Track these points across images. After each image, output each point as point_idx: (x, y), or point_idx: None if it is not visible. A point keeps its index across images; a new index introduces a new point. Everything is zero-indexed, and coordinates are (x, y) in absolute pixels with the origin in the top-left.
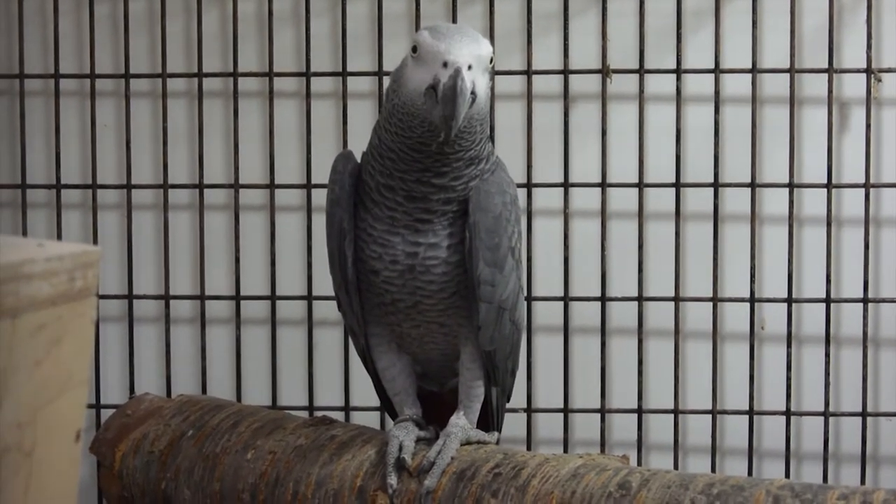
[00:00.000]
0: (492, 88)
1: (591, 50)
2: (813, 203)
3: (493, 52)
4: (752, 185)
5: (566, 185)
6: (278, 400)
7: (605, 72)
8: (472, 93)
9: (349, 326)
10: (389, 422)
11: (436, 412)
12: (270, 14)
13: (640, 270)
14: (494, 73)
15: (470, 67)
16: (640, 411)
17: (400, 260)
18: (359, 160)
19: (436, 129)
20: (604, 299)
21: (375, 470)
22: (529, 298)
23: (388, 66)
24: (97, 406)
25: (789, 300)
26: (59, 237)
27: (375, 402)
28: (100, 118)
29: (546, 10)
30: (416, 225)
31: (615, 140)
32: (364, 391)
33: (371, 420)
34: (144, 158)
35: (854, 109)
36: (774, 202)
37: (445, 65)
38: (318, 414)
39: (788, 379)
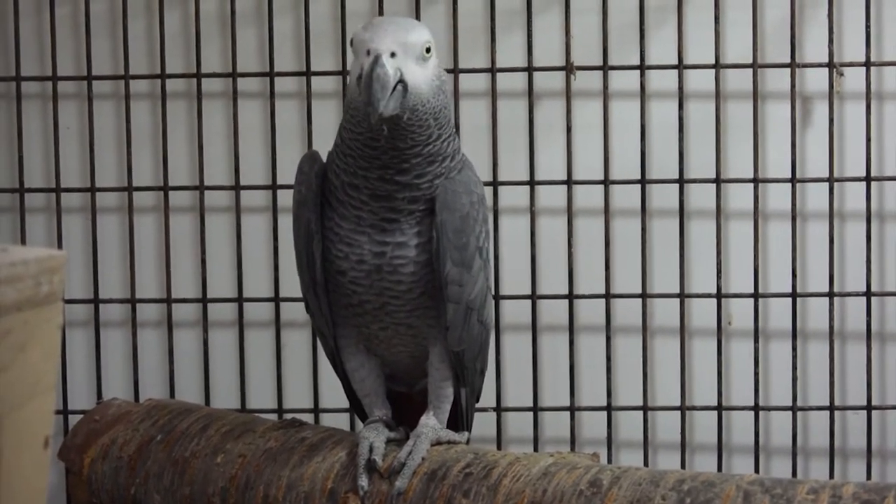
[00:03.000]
0: (455, 84)
1: (554, 47)
2: (777, 198)
3: (431, 41)
4: (717, 181)
5: (532, 182)
6: (247, 403)
7: (568, 69)
8: (401, 81)
9: (318, 328)
10: (359, 423)
11: (406, 413)
12: (233, 14)
13: (607, 267)
14: (459, 70)
15: (393, 55)
16: (609, 409)
17: (367, 259)
18: (325, 160)
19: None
20: (571, 297)
21: (346, 472)
22: (497, 297)
23: None
24: (64, 412)
25: (755, 295)
26: (24, 242)
27: (345, 403)
28: (62, 121)
29: (509, 7)
30: (383, 224)
31: (580, 137)
32: (333, 393)
33: (341, 422)
34: (108, 161)
35: (817, 104)
36: (739, 197)
37: (368, 53)
38: (288, 416)
39: (756, 374)
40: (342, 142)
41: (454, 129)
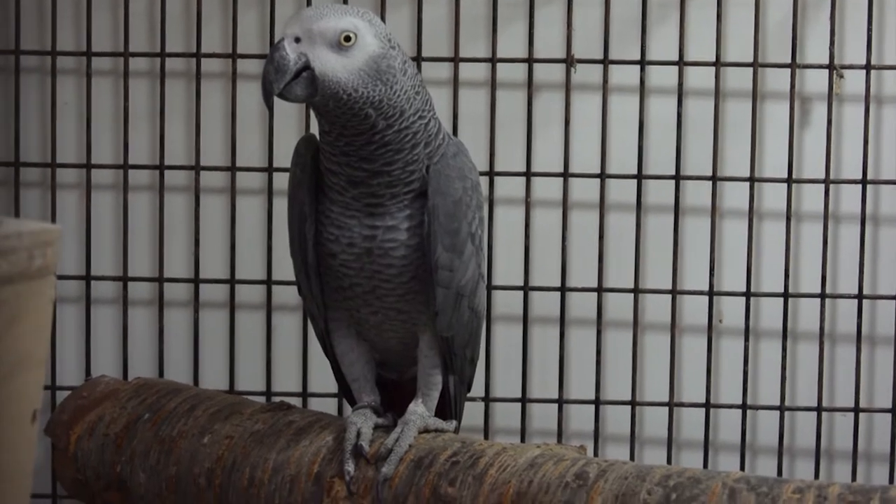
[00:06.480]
0: (454, 73)
1: (555, 39)
2: (773, 197)
3: (355, 29)
4: (714, 179)
5: (528, 174)
6: (236, 385)
7: (569, 61)
8: (308, 67)
9: (309, 310)
10: (347, 408)
11: (395, 400)
12: None
13: (601, 261)
14: (459, 59)
15: (298, 40)
16: (597, 402)
17: (357, 243)
18: None
19: (316, 108)
20: (563, 289)
21: (333, 456)
22: (489, 287)
23: None
24: (52, 387)
25: (748, 294)
26: (17, 215)
27: (333, 388)
28: (60, 96)
29: None
30: (370, 209)
31: (578, 130)
32: (322, 377)
33: (329, 406)
34: (105, 138)
35: (815, 105)
36: (735, 196)
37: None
38: (276, 399)
39: (745, 372)
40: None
41: (427, 116)
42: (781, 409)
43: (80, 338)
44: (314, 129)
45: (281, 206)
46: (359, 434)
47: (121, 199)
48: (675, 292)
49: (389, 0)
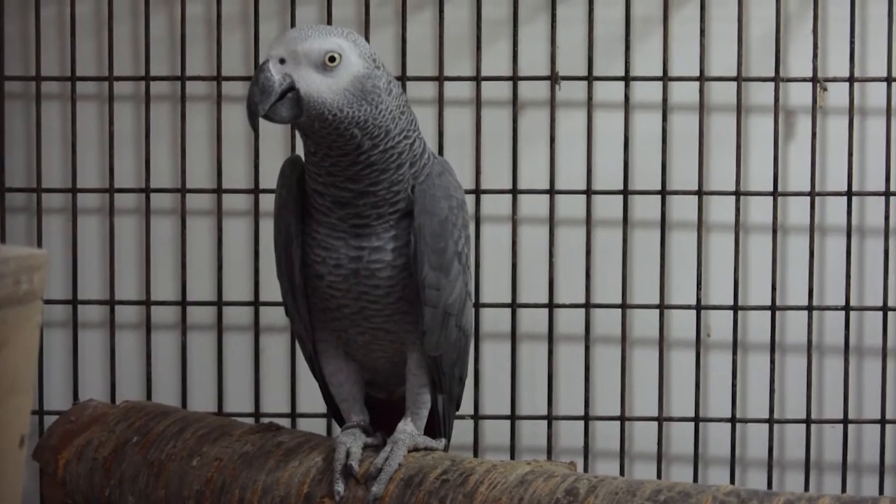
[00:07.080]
0: (439, 92)
1: (539, 57)
2: (759, 211)
3: (339, 50)
4: (699, 193)
5: (514, 191)
6: (224, 406)
7: (553, 79)
8: (292, 88)
9: (297, 331)
10: (336, 428)
11: (384, 419)
12: (219, 17)
13: (588, 277)
14: (444, 78)
15: (283, 61)
16: (586, 418)
17: (343, 264)
18: None
19: (301, 129)
20: (551, 306)
21: (322, 477)
22: (477, 305)
23: None
24: (40, 412)
25: (735, 307)
26: (3, 240)
27: (322, 408)
28: (45, 121)
29: (495, 16)
30: (356, 230)
31: (563, 147)
32: (311, 398)
33: (318, 427)
34: (90, 162)
35: (800, 118)
36: (721, 210)
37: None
38: (265, 420)
39: (734, 386)
40: (306, 149)
41: (412, 136)
42: (770, 421)
43: (68, 362)
44: (300, 150)
45: (267, 228)
46: (348, 454)
47: (107, 223)
48: (662, 307)
49: (374, 20)
